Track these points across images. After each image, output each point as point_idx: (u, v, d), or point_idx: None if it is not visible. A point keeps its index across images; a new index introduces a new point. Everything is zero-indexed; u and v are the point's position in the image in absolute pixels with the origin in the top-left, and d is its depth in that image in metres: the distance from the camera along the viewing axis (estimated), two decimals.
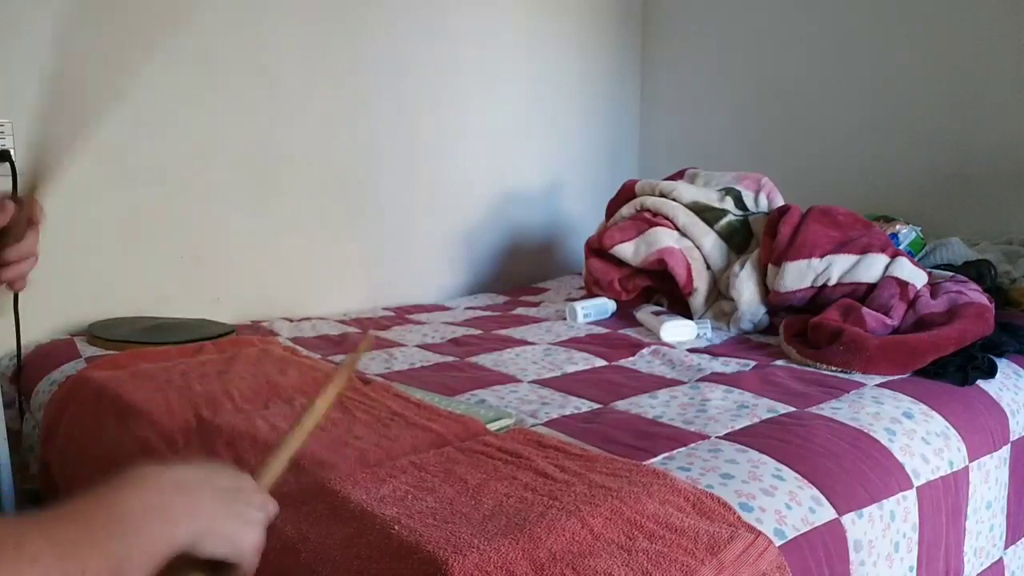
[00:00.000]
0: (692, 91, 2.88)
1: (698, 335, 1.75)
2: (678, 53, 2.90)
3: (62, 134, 0.69)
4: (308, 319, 2.05)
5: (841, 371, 1.45)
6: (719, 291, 1.92)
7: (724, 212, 1.99)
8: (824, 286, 1.70)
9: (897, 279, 1.64)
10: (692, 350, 1.65)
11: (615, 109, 2.94)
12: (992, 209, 2.19)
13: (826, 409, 1.24)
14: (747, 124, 2.72)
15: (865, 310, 1.57)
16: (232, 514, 0.56)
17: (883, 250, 1.71)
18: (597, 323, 1.93)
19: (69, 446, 1.35)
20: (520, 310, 2.15)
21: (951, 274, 1.78)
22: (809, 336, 1.57)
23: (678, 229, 1.96)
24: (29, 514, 0.45)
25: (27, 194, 0.67)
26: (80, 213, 1.81)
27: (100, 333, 1.72)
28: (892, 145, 2.37)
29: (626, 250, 1.96)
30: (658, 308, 1.94)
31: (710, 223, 1.96)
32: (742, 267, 1.82)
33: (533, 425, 1.19)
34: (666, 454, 1.06)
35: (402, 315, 2.13)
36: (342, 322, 2.02)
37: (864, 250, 1.71)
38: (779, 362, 1.54)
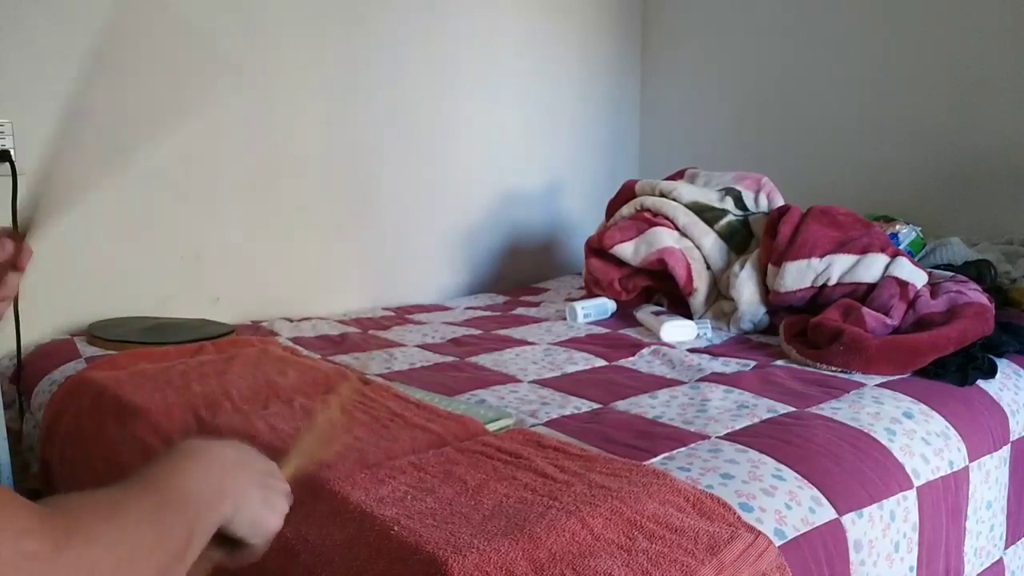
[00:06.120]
0: (692, 91, 2.87)
1: (698, 335, 1.75)
2: (678, 53, 2.90)
3: (62, 179, 0.69)
4: (308, 319, 2.05)
5: (841, 371, 1.45)
6: (719, 291, 1.92)
7: (724, 212, 1.99)
8: (824, 286, 1.70)
9: (897, 279, 1.64)
10: (692, 350, 1.65)
11: (615, 109, 2.94)
12: (992, 209, 2.19)
13: (826, 409, 1.24)
14: (747, 124, 2.71)
15: (865, 310, 1.56)
16: (263, 498, 0.58)
17: (883, 250, 1.71)
18: (597, 323, 1.93)
19: (69, 446, 1.35)
20: (520, 310, 2.14)
21: (951, 274, 1.78)
22: (809, 336, 1.57)
23: (678, 229, 1.96)
24: (109, 487, 0.48)
25: (16, 235, 0.66)
26: (80, 213, 1.81)
27: (100, 333, 1.72)
28: (892, 145, 2.37)
29: (626, 250, 1.96)
30: (658, 308, 1.94)
31: (710, 223, 1.96)
32: (742, 267, 1.82)
33: (533, 425, 1.19)
34: (666, 454, 1.06)
35: (402, 315, 2.13)
36: (342, 322, 2.02)
37: (864, 250, 1.71)
38: (779, 362, 1.54)
